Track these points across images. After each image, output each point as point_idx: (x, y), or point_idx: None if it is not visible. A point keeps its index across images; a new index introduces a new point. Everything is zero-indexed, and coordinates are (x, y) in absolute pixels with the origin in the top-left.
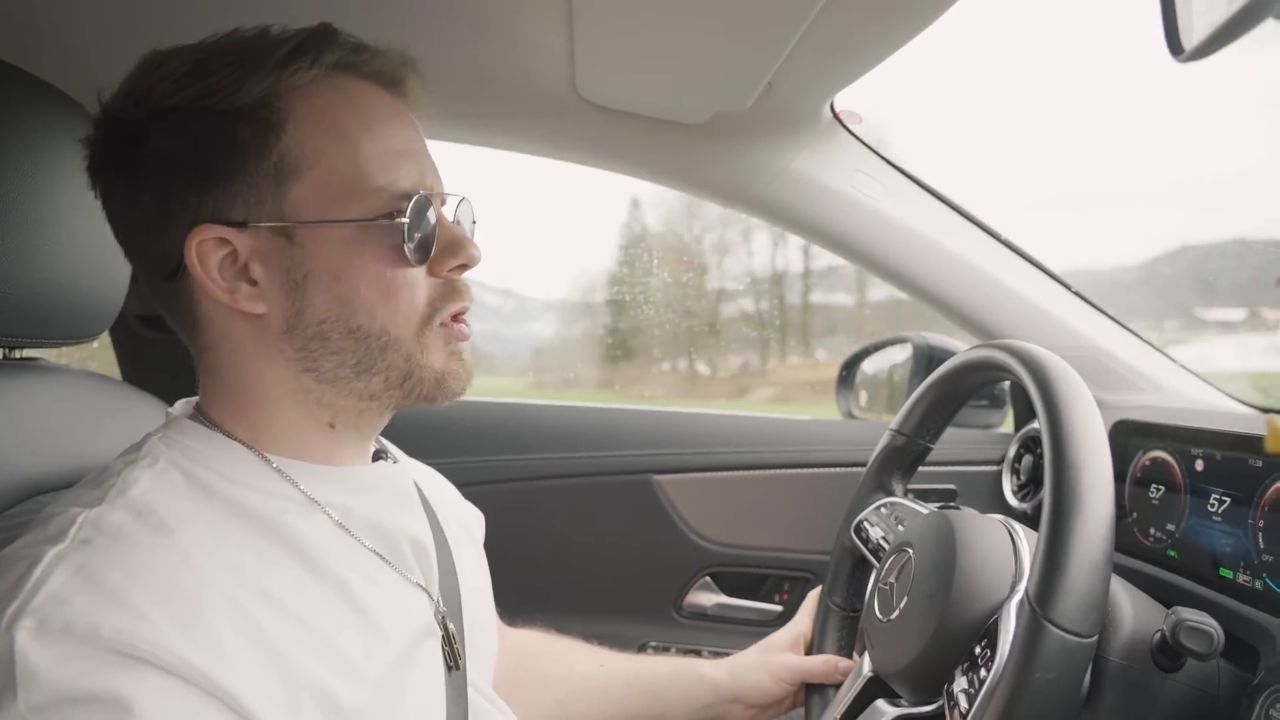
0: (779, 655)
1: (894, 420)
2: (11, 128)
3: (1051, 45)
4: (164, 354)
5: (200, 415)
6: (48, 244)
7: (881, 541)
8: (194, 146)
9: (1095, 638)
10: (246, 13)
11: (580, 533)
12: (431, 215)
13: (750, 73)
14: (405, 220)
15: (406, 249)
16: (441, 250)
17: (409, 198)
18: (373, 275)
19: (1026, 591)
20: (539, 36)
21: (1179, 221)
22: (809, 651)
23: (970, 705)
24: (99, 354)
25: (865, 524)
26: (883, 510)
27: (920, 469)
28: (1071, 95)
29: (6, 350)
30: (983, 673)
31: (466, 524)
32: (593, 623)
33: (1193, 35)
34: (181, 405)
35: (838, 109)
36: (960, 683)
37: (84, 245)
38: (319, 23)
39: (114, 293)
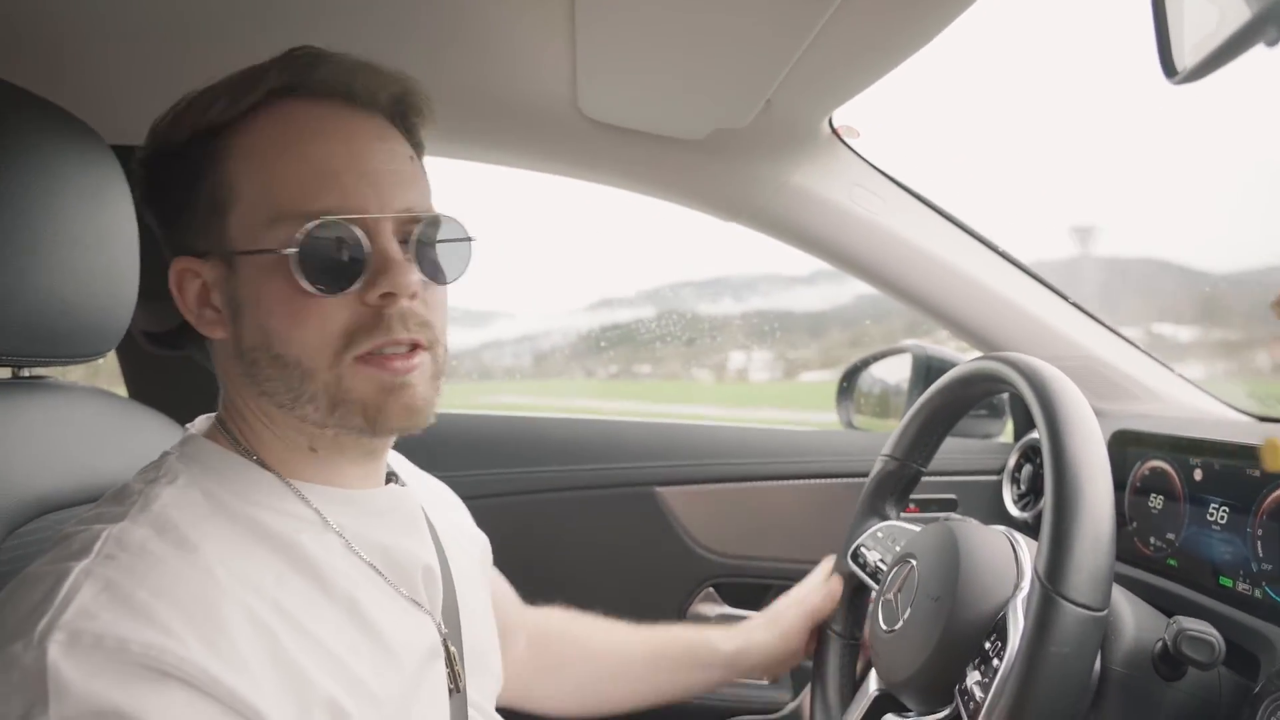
0: (784, 615)
1: (886, 445)
2: (22, 150)
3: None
4: (169, 371)
5: (220, 432)
6: (58, 265)
7: (879, 564)
8: (160, 184)
9: (1106, 612)
10: (263, 46)
11: (584, 544)
12: (348, 239)
13: (750, 90)
14: (292, 250)
15: (299, 278)
16: (370, 277)
17: (306, 221)
18: (282, 304)
19: (1036, 571)
20: (542, 55)
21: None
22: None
23: (985, 694)
24: (102, 367)
25: (862, 549)
26: (879, 534)
27: (921, 479)
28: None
29: (15, 369)
30: (995, 662)
31: (471, 540)
32: None
33: (1186, 57)
34: (201, 422)
35: (836, 124)
36: (973, 677)
37: (93, 266)
38: (286, 50)
39: (122, 311)
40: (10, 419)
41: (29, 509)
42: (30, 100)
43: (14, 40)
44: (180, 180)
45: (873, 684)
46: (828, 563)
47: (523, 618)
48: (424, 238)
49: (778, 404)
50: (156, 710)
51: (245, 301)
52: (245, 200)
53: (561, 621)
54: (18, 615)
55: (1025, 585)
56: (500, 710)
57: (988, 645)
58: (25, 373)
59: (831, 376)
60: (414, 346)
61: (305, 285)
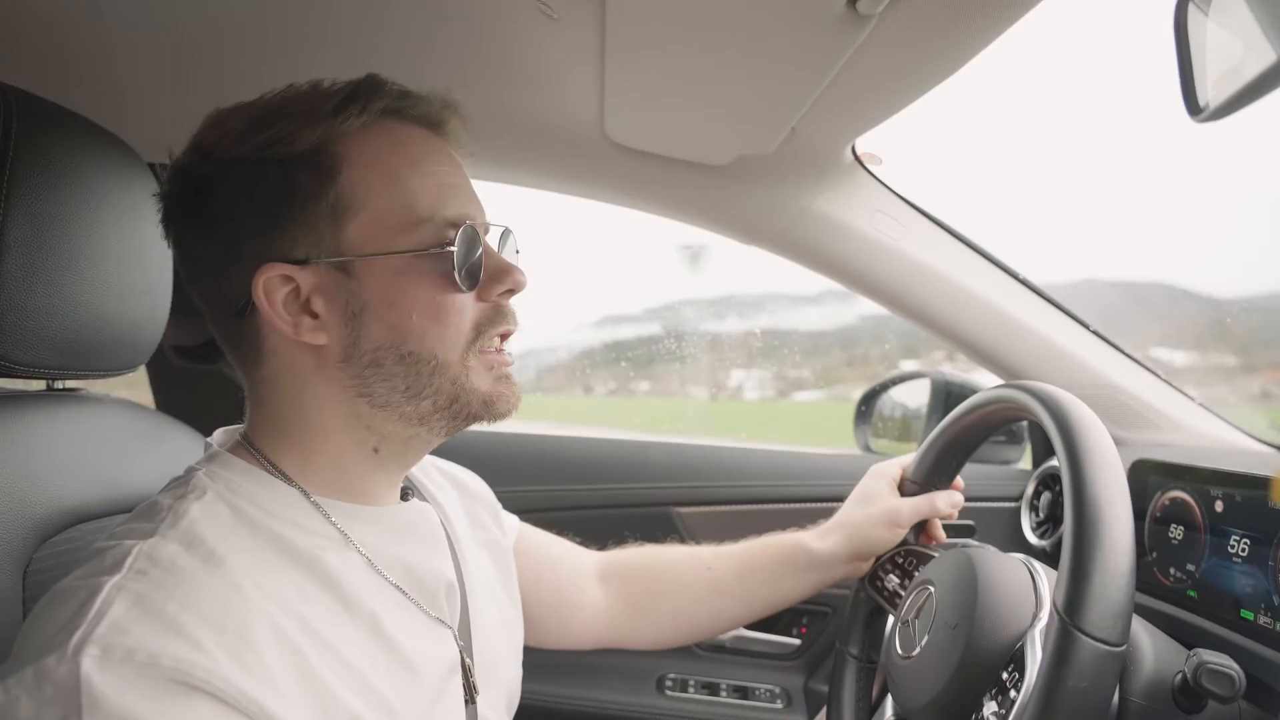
0: (885, 502)
1: (909, 470)
2: (60, 166)
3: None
4: (196, 384)
5: (245, 447)
6: (95, 281)
7: (898, 589)
8: (257, 193)
9: (1124, 647)
10: (295, 68)
11: None
12: (478, 243)
13: (775, 119)
14: (454, 248)
15: (456, 275)
16: (490, 276)
17: (456, 227)
18: (424, 302)
19: (1054, 603)
20: (571, 82)
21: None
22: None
23: None
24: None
25: (880, 573)
26: (897, 559)
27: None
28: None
29: (49, 381)
30: (1012, 694)
31: (489, 511)
32: (609, 655)
33: (1209, 96)
34: (221, 435)
35: (859, 151)
36: (989, 708)
37: (129, 281)
38: (366, 74)
39: (154, 326)
40: (44, 430)
41: (61, 519)
42: (70, 118)
43: (55, 60)
44: (281, 189)
45: (889, 710)
46: (893, 461)
47: (588, 560)
48: (508, 247)
49: (753, 428)
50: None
51: (370, 303)
52: (372, 208)
53: (639, 556)
54: (51, 629)
55: (1044, 616)
56: (579, 657)
57: (1005, 676)
58: (58, 385)
59: (824, 396)
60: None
61: (458, 282)
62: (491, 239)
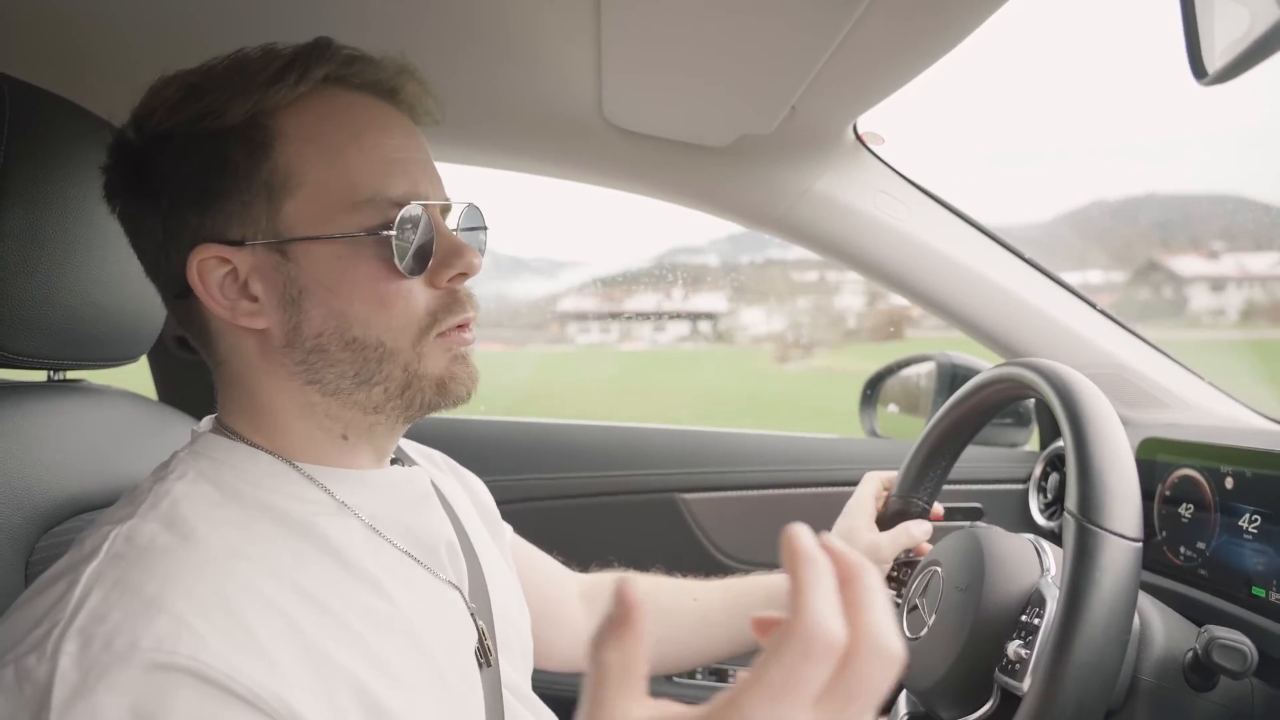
0: (867, 537)
1: (895, 484)
2: (58, 157)
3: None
4: (198, 374)
5: (222, 428)
6: (93, 270)
7: (894, 600)
8: (190, 169)
9: (1140, 543)
10: (277, 36)
11: (606, 551)
12: (425, 224)
13: (775, 97)
14: (392, 233)
15: (396, 261)
16: (440, 260)
17: (400, 206)
18: (366, 288)
19: (1068, 510)
20: (567, 63)
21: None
22: None
23: (1031, 651)
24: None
25: None
26: (891, 572)
27: (946, 487)
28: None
29: (50, 372)
30: (1036, 622)
31: (485, 517)
32: None
33: (1215, 59)
34: (206, 421)
35: (860, 130)
36: (1013, 647)
37: (127, 271)
38: (315, 37)
39: (154, 316)
40: (45, 421)
41: (63, 509)
42: (65, 106)
43: (51, 49)
44: (212, 165)
45: (903, 707)
46: (870, 481)
47: (571, 580)
48: (466, 223)
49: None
50: (169, 706)
51: (309, 288)
52: (311, 185)
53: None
54: (30, 621)
55: (1053, 568)
56: (565, 676)
57: (1025, 616)
58: (59, 376)
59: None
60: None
61: (400, 268)
62: (452, 218)
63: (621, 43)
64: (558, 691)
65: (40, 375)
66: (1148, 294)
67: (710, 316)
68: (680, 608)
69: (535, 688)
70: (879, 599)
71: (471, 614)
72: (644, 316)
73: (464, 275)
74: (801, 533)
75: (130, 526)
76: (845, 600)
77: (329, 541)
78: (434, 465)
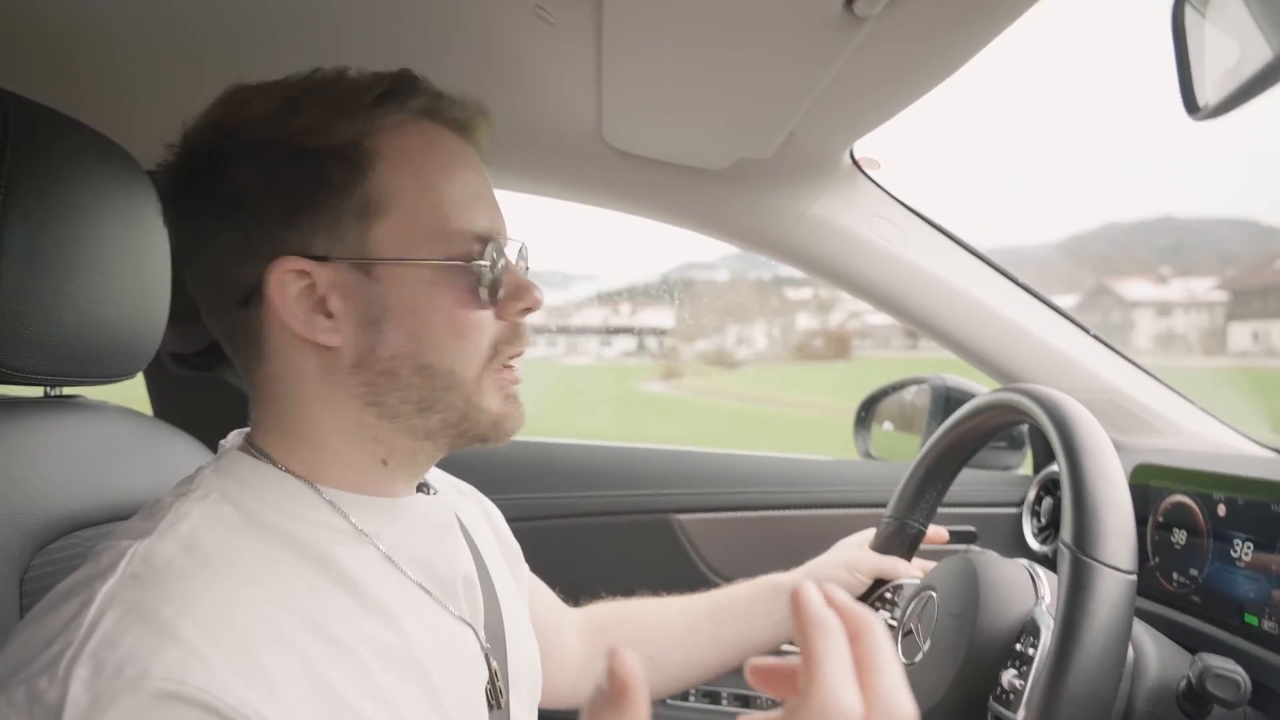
0: (850, 552)
1: (888, 505)
2: (58, 172)
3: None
4: (193, 390)
5: (251, 447)
6: (94, 286)
7: (890, 623)
8: (283, 181)
9: (1135, 575)
10: (292, 71)
11: (599, 571)
12: (502, 259)
13: (773, 123)
14: (484, 263)
15: (481, 291)
16: (509, 294)
17: (484, 241)
18: (446, 315)
19: (1063, 542)
20: (569, 87)
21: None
22: None
23: (1025, 682)
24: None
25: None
26: (886, 595)
27: (940, 510)
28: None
29: (46, 388)
30: (1030, 652)
31: (506, 550)
32: None
33: (1208, 94)
34: (233, 437)
35: (857, 155)
36: (1007, 677)
37: (127, 288)
38: (399, 68)
39: (153, 332)
40: (41, 437)
41: (58, 526)
42: (68, 124)
43: (52, 65)
44: (308, 179)
45: None
46: (867, 534)
47: (569, 615)
48: (520, 259)
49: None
50: None
51: (392, 310)
52: (403, 210)
53: (613, 608)
54: (45, 637)
55: (1047, 595)
56: (564, 712)
57: (1019, 645)
58: (55, 392)
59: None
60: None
61: (483, 298)
62: (509, 252)
63: (622, 68)
64: None
65: (36, 391)
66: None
67: (658, 332)
68: (668, 621)
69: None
70: (889, 657)
71: (485, 653)
72: (590, 331)
73: (529, 310)
74: (811, 595)
75: (148, 545)
76: (855, 657)
77: (345, 573)
78: (459, 492)
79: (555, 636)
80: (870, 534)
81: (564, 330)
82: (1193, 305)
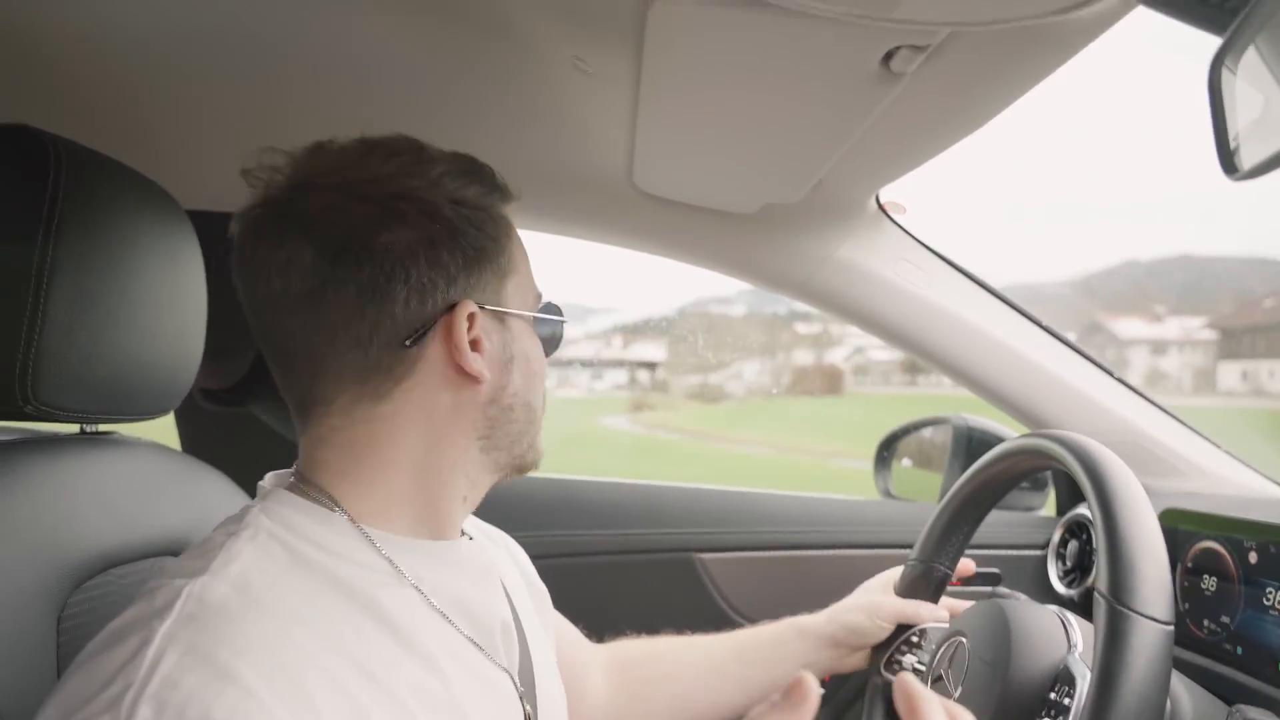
0: (873, 597)
1: (914, 549)
2: (103, 214)
3: None
4: (221, 427)
5: (307, 485)
6: (134, 326)
7: (917, 667)
8: (474, 236)
9: (1173, 627)
10: (331, 116)
11: (621, 609)
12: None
13: (804, 172)
14: (563, 319)
15: (549, 341)
16: (548, 344)
17: (540, 300)
18: (538, 362)
19: (1099, 591)
20: (602, 133)
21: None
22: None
23: None
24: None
25: (895, 656)
26: (913, 639)
27: (964, 553)
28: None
29: (83, 425)
30: (1066, 702)
31: (533, 592)
32: None
33: (1246, 156)
34: (276, 478)
35: (883, 200)
36: None
37: (166, 327)
38: (468, 153)
39: (188, 370)
40: (77, 474)
41: (95, 564)
42: (112, 166)
43: (93, 107)
44: (487, 237)
45: None
46: (890, 575)
47: (594, 653)
48: None
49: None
50: None
51: (516, 355)
52: (519, 272)
53: (639, 646)
54: (105, 677)
55: (1080, 644)
56: None
57: (1054, 695)
58: (91, 428)
59: None
60: None
61: (557, 349)
62: None
63: (657, 117)
64: None
65: (72, 427)
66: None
67: (649, 365)
68: (693, 661)
69: None
70: None
71: (520, 698)
72: (582, 364)
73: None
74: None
75: (203, 584)
76: None
77: (388, 616)
78: (488, 538)
79: (581, 672)
80: (893, 575)
81: (555, 363)
82: (1187, 344)
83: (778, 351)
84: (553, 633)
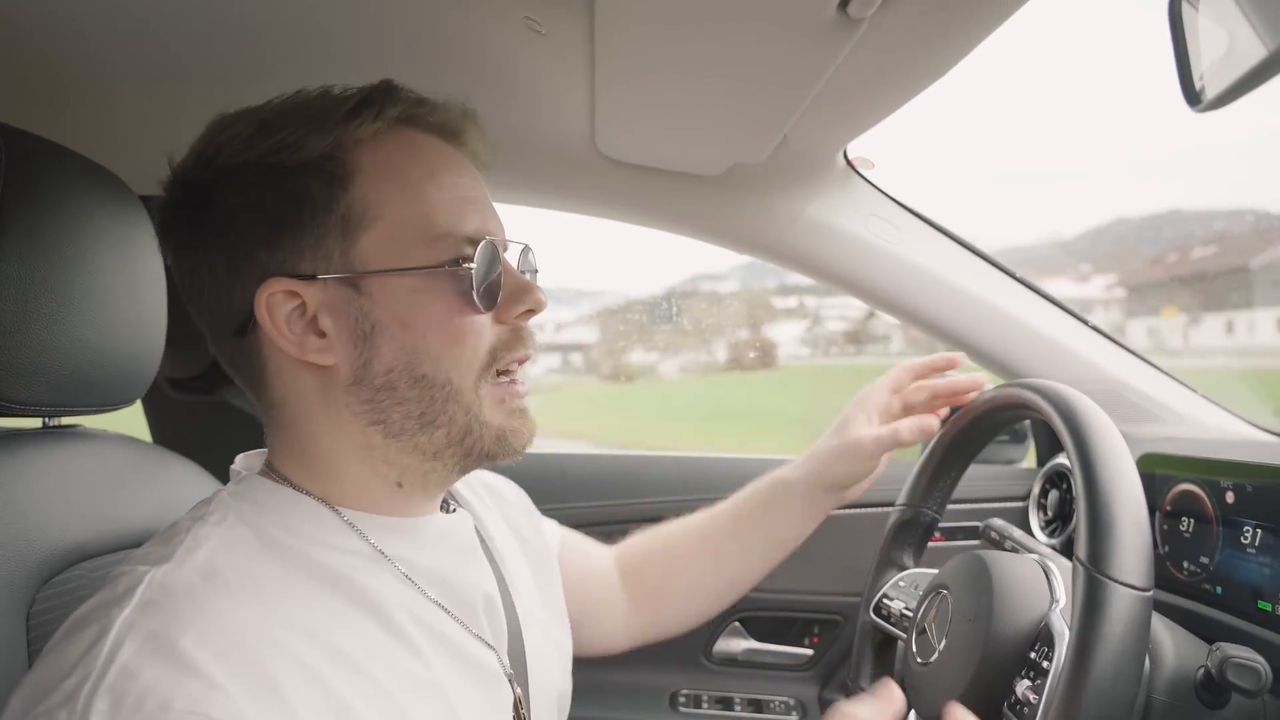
0: (850, 436)
1: (901, 493)
2: (52, 202)
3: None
4: (193, 416)
5: (270, 470)
6: (91, 315)
7: (904, 612)
8: (263, 202)
9: (1151, 592)
10: (279, 83)
11: None
12: (497, 261)
13: (767, 127)
14: (473, 265)
15: (474, 295)
16: (509, 296)
17: (474, 243)
18: (439, 323)
19: (1077, 558)
20: (561, 97)
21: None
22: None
23: (1040, 696)
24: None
25: (884, 600)
26: (900, 583)
27: (947, 507)
28: (1023, 73)
29: (46, 418)
30: (1045, 665)
31: (529, 549)
32: (622, 671)
33: (1206, 87)
34: (248, 459)
35: (850, 155)
36: (1022, 685)
37: (124, 315)
38: (380, 79)
39: (150, 359)
40: (42, 469)
41: (63, 558)
42: (61, 153)
43: (44, 94)
44: (288, 199)
45: None
46: (897, 370)
47: (613, 562)
48: (522, 265)
49: None
50: None
51: (383, 323)
52: (387, 220)
53: (642, 546)
54: (63, 669)
55: (1062, 598)
56: (590, 676)
57: (1034, 654)
58: (54, 421)
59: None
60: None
61: (476, 302)
62: (510, 256)
63: (614, 77)
64: None
65: (35, 422)
66: None
67: (580, 348)
68: (694, 551)
69: None
70: None
71: (508, 678)
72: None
73: (531, 312)
74: None
75: (165, 571)
76: None
77: (365, 597)
78: (477, 498)
79: (607, 585)
80: (882, 395)
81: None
82: (1111, 302)
83: (760, 326)
84: (558, 588)
